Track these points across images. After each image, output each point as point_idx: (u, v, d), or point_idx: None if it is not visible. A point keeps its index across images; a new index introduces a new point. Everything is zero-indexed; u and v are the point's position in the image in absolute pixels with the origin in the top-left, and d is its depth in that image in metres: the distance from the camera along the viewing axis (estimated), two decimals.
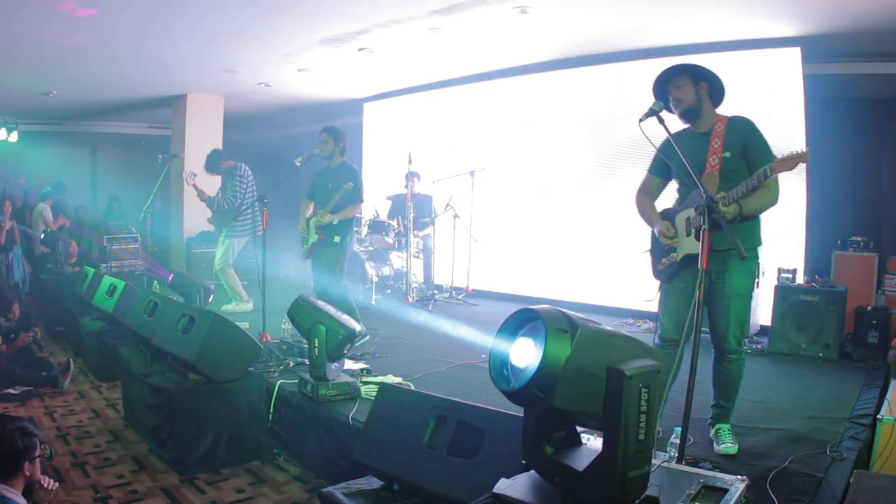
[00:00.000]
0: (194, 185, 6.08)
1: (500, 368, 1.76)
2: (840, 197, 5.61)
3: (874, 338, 4.72)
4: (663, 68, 2.92)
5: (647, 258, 3.12)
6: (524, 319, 1.75)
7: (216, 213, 6.27)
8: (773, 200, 2.70)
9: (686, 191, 2.90)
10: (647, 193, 3.08)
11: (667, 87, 2.88)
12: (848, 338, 4.80)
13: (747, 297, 2.84)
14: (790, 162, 2.46)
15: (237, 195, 6.00)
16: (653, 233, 3.02)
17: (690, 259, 2.72)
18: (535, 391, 1.57)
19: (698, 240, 2.44)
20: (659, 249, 2.98)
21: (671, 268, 2.88)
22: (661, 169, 3.00)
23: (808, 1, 4.51)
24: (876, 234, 5.44)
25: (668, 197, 3.07)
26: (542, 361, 1.55)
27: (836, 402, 3.54)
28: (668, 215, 2.93)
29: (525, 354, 1.69)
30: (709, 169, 2.78)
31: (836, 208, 5.56)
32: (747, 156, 2.76)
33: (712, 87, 2.86)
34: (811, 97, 5.18)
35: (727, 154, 2.77)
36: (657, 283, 3.05)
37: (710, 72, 2.87)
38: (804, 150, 2.44)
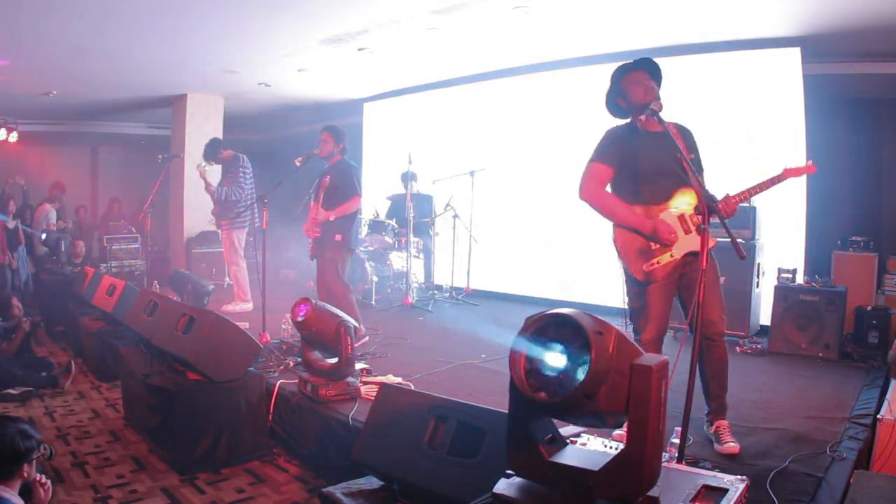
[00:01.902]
0: (203, 177, 6.06)
1: (526, 379, 1.73)
2: (840, 197, 5.61)
3: (874, 338, 4.71)
4: (630, 63, 2.98)
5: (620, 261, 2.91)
6: (546, 325, 1.73)
7: (220, 205, 6.22)
8: None
9: (645, 186, 2.78)
10: (604, 188, 2.87)
11: (633, 77, 2.89)
12: (848, 338, 4.80)
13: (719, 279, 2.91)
14: (797, 171, 2.83)
15: (243, 186, 5.99)
16: (626, 236, 2.83)
17: (691, 256, 2.72)
18: (583, 397, 1.59)
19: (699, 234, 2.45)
20: (641, 251, 2.79)
21: (665, 267, 2.78)
22: (618, 160, 2.85)
23: (807, 1, 4.51)
24: (876, 234, 5.44)
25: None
26: (592, 366, 1.57)
27: (836, 402, 3.54)
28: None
29: (556, 361, 1.68)
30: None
31: (836, 208, 5.55)
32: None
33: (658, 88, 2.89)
34: (811, 97, 5.17)
35: (692, 156, 2.81)
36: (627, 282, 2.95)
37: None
38: (810, 164, 2.85)
